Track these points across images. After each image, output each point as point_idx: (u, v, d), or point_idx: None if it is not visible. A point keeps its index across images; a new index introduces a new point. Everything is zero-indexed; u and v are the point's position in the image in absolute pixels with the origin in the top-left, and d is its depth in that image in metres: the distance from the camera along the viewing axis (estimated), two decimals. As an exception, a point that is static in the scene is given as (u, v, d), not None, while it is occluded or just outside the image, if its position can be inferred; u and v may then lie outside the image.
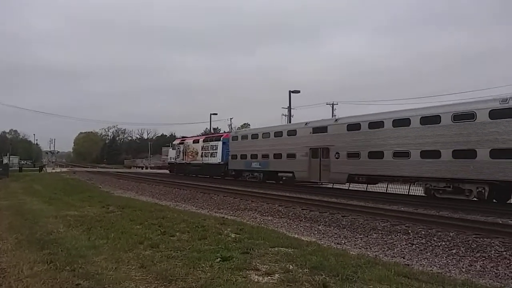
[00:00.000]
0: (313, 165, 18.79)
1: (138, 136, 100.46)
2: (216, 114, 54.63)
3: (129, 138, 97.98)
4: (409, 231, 8.41)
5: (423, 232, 8.40)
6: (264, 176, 20.88)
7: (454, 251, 7.20)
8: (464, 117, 13.84)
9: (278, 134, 20.78)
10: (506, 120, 12.76)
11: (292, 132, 19.98)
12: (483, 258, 6.74)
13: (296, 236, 7.99)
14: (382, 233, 8.61)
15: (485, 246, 7.22)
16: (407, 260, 6.68)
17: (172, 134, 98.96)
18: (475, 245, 7.30)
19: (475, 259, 6.72)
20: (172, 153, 36.04)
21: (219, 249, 5.75)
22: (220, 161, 28.05)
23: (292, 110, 38.85)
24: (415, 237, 8.16)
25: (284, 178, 21.41)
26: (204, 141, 30.28)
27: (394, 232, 8.56)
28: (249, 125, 59.39)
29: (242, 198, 14.63)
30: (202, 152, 30.83)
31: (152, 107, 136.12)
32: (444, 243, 7.69)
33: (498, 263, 6.53)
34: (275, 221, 10.60)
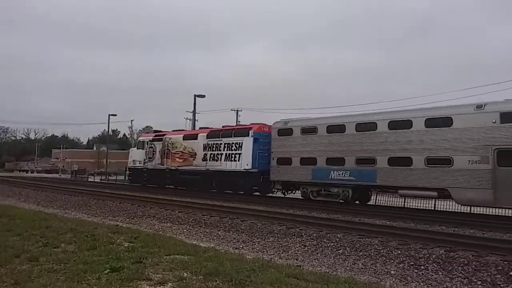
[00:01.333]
0: (505, 180, 14.00)
1: (24, 136, 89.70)
2: (115, 115, 54.41)
3: (13, 138, 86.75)
4: (303, 234, 10.81)
5: (314, 234, 10.80)
6: (355, 193, 18.18)
7: (340, 251, 9.22)
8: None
9: (401, 124, 16.74)
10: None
11: (441, 121, 15.77)
12: (365, 257, 8.70)
13: (194, 242, 9.43)
14: (278, 236, 10.67)
15: (366, 245, 9.54)
16: (300, 261, 8.34)
17: (65, 135, 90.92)
18: (359, 244, 9.64)
19: (358, 257, 8.65)
20: (137, 154, 29.59)
21: (109, 260, 6.19)
22: (249, 167, 21.61)
23: (196, 114, 39.90)
24: (307, 239, 10.30)
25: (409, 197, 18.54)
26: (210, 136, 24.37)
27: (289, 235, 10.75)
28: (151, 127, 64.66)
29: (140, 204, 17.36)
30: (208, 154, 24.03)
31: (42, 105, 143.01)
32: (332, 244, 9.79)
33: (377, 260, 8.39)
34: (174, 228, 12.30)
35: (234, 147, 22.79)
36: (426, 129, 15.71)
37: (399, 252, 8.74)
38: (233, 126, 27.01)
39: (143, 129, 72.94)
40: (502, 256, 8.09)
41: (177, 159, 26.06)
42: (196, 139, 25.32)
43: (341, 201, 18.08)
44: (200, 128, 28.14)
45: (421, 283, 7.00)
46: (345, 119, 18.59)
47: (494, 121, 13.91)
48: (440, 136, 15.37)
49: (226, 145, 23.29)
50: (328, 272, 7.13)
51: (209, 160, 24.01)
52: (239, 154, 22.38)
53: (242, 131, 23.02)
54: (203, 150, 24.53)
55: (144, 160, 28.67)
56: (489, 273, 7.21)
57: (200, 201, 18.82)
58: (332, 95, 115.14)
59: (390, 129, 16.73)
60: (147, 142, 29.05)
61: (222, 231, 11.72)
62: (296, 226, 11.84)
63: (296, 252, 9.10)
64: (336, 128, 18.53)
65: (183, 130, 29.43)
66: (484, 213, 16.01)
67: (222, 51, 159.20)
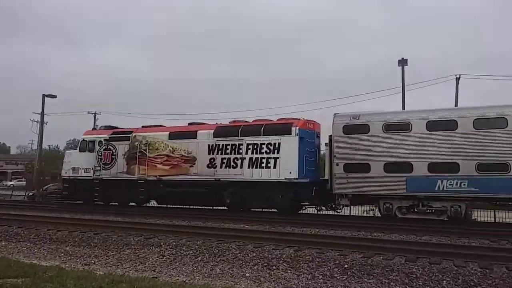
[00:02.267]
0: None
1: None
2: None
3: None
4: (162, 243, 10.50)
5: (174, 243, 10.56)
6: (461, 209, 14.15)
7: (199, 258, 9.38)
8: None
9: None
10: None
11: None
12: (223, 262, 9.03)
13: (35, 261, 8.78)
14: (135, 248, 10.26)
15: (224, 250, 9.78)
16: (157, 272, 8.36)
17: None
18: (217, 250, 9.81)
19: (216, 263, 8.96)
20: (80, 159, 20.87)
21: None
22: (293, 176, 16.03)
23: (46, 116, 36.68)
24: (166, 249, 10.09)
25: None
26: (220, 134, 17.74)
27: (148, 246, 10.41)
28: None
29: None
30: (218, 159, 17.41)
31: None
32: (191, 252, 9.78)
33: (234, 264, 8.74)
34: (10, 246, 11.08)
35: (265, 149, 16.82)
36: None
37: (254, 254, 9.07)
38: (261, 120, 19.26)
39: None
40: (339, 251, 9.04)
41: (159, 166, 18.87)
42: (195, 138, 18.52)
43: (445, 219, 14.25)
44: (190, 124, 19.95)
45: (273, 283, 7.50)
46: (456, 113, 14.71)
47: None
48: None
49: (251, 146, 17.09)
50: (185, 281, 7.31)
51: (221, 166, 17.58)
52: (276, 158, 16.57)
53: (279, 127, 17.11)
54: (210, 154, 17.93)
55: (95, 167, 20.44)
56: (329, 268, 8.00)
57: (45, 214, 17.16)
58: (199, 100, 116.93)
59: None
60: (100, 142, 20.78)
61: (70, 246, 10.92)
62: (155, 235, 11.45)
63: (153, 263, 8.98)
64: (442, 124, 14.35)
65: (161, 126, 21.12)
66: (329, 213, 17.03)
67: (78, 51, 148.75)
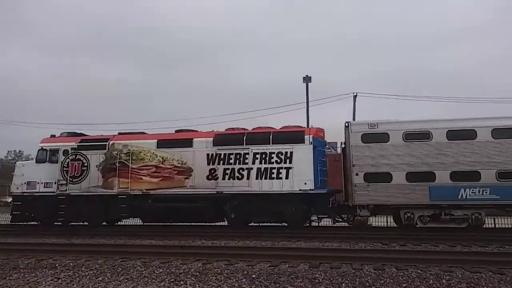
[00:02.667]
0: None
1: None
2: None
3: None
4: (57, 265, 9.42)
5: (71, 264, 9.54)
6: (482, 217, 14.29)
7: (100, 278, 8.38)
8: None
9: None
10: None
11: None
12: (126, 280, 8.13)
13: None
14: (25, 272, 9.00)
15: (129, 268, 8.96)
16: None
17: None
18: (120, 268, 8.92)
19: (119, 282, 8.01)
20: (38, 171, 17.36)
21: None
22: (309, 187, 15.05)
23: None
24: (62, 270, 9.02)
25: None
26: (221, 142, 16.21)
27: (40, 268, 9.21)
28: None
29: None
30: (220, 169, 15.88)
31: None
32: (91, 272, 8.79)
33: (138, 282, 7.98)
34: None
35: (276, 159, 15.73)
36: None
37: (161, 270, 8.72)
38: (264, 128, 17.47)
39: None
40: (248, 262, 9.13)
41: (145, 179, 16.60)
42: (191, 146, 16.61)
43: (465, 226, 14.28)
44: (179, 131, 17.80)
45: (179, 298, 7.78)
46: (475, 123, 14.76)
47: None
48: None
49: (258, 156, 15.88)
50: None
51: (223, 178, 16.07)
52: (288, 168, 15.51)
53: (290, 135, 16.08)
54: (209, 164, 16.25)
55: (59, 181, 17.29)
56: (237, 279, 7.97)
57: None
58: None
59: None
60: (65, 151, 17.68)
61: None
62: (50, 256, 10.32)
63: (46, 287, 8.12)
64: (462, 134, 14.67)
65: (144, 133, 18.54)
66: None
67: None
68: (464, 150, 14.49)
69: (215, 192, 16.16)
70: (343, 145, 16.45)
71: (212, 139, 16.71)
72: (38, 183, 17.67)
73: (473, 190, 14.17)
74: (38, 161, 18.04)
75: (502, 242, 12.03)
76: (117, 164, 17.12)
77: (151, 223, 17.50)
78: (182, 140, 17.05)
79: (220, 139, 16.70)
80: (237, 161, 16.15)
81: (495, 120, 14.85)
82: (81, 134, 19.09)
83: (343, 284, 7.48)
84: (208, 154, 16.44)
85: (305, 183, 15.35)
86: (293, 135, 16.11)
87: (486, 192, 14.12)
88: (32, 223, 18.14)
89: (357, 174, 15.09)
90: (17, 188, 18.02)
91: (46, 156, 17.97)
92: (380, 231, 15.92)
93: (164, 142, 17.08)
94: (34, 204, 17.65)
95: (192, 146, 16.69)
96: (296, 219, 15.82)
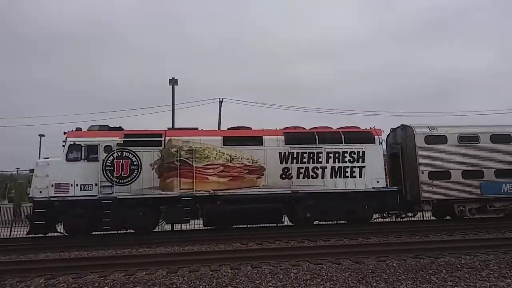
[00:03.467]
0: None
1: None
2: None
3: None
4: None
5: None
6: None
7: None
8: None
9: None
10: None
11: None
12: None
13: None
14: None
15: None
16: None
17: None
18: None
19: None
20: (66, 171, 14.04)
21: None
22: (381, 185, 15.88)
23: None
24: None
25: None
26: (293, 140, 15.90)
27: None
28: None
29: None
30: (294, 168, 15.60)
31: None
32: None
33: None
34: None
35: (349, 158, 16.04)
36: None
37: None
38: (339, 128, 17.01)
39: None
40: (100, 272, 8.51)
41: (212, 178, 15.08)
42: (261, 144, 15.73)
43: (502, 216, 16.63)
44: (240, 128, 16.29)
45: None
46: (509, 129, 17.34)
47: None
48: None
49: (332, 155, 15.96)
50: None
51: (297, 177, 15.66)
52: (361, 167, 16.01)
53: (361, 135, 16.44)
54: (282, 162, 15.66)
55: (103, 183, 14.44)
56: None
57: None
58: None
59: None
60: (107, 147, 14.84)
61: None
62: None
63: None
64: (501, 138, 17.13)
65: (196, 128, 15.94)
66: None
67: None
68: (504, 153, 17.06)
69: (290, 191, 15.71)
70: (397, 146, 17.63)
71: (283, 137, 16.19)
72: (71, 185, 14.50)
73: (510, 185, 16.79)
74: (70, 159, 14.78)
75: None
76: (177, 163, 15.21)
77: (216, 227, 15.86)
78: (251, 137, 16.08)
79: (292, 137, 16.31)
80: (311, 160, 16.00)
81: None
82: (119, 128, 16.00)
83: (201, 286, 7.49)
84: (280, 153, 15.91)
85: (378, 181, 16.12)
86: (364, 135, 16.63)
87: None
88: (55, 234, 14.89)
89: (422, 173, 16.50)
90: (41, 192, 14.43)
91: (80, 153, 14.85)
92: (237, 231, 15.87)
93: (231, 139, 15.83)
94: (65, 210, 14.47)
95: (263, 145, 15.90)
96: (368, 217, 16.52)
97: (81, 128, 15.91)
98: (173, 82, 27.03)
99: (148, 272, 8.49)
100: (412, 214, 17.56)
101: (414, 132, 17.04)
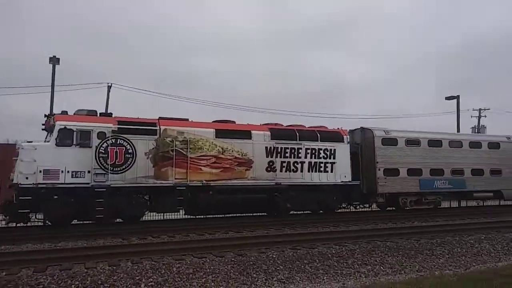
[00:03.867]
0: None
1: None
2: None
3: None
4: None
5: None
6: (445, 198, 21.63)
7: None
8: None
9: (474, 145, 22.18)
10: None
11: (496, 145, 22.72)
12: None
13: None
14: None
15: None
16: None
17: None
18: None
19: None
20: (56, 156, 13.00)
21: None
22: (348, 179, 18.25)
23: None
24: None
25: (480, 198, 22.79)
26: (278, 136, 17.20)
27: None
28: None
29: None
30: (278, 162, 17.00)
31: None
32: None
33: None
34: None
35: (323, 154, 17.83)
36: (489, 150, 22.15)
37: None
38: (313, 126, 18.45)
39: None
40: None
41: (205, 169, 15.51)
42: (250, 138, 16.56)
43: (432, 207, 20.14)
44: (227, 121, 16.84)
45: None
46: (440, 136, 21.19)
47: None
48: (496, 155, 22.26)
49: (309, 151, 17.57)
50: None
51: (281, 170, 16.95)
52: (332, 163, 17.94)
53: (332, 135, 18.36)
54: (268, 156, 16.79)
55: (96, 170, 13.79)
56: None
57: None
58: None
59: (470, 148, 21.66)
60: (101, 133, 14.13)
61: None
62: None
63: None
64: (435, 143, 20.74)
65: (186, 120, 15.85)
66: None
67: None
68: (436, 155, 20.67)
69: (274, 183, 16.92)
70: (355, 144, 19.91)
71: (269, 133, 17.22)
72: (62, 171, 13.55)
73: (441, 182, 20.57)
74: (61, 144, 13.75)
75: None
76: (172, 153, 15.17)
77: (211, 216, 16.35)
78: (241, 131, 16.81)
79: (277, 133, 17.40)
80: (292, 155, 17.36)
81: (452, 135, 22.53)
82: (109, 114, 15.43)
83: (73, 286, 7.04)
84: (267, 147, 16.94)
85: (345, 176, 18.26)
86: (334, 135, 18.60)
87: (446, 183, 20.82)
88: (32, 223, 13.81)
89: (379, 170, 19.14)
90: (27, 178, 13.18)
91: (72, 137, 13.91)
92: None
93: (223, 132, 16.34)
94: (53, 198, 13.54)
95: (251, 139, 16.74)
96: (335, 207, 18.54)
97: (67, 112, 14.79)
98: (54, 61, 24.57)
99: (9, 273, 7.56)
100: (368, 205, 20.13)
101: (374, 135, 19.59)
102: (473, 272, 8.27)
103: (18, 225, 14.02)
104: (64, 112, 14.82)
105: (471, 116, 43.16)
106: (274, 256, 9.35)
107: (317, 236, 12.08)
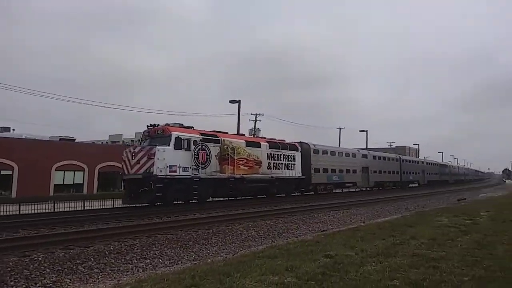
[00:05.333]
0: (364, 177, 39.21)
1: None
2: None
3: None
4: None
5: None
6: (335, 187, 34.94)
7: None
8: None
9: (347, 155, 37.08)
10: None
11: (353, 155, 38.11)
12: None
13: None
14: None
15: None
16: None
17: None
18: None
19: None
20: (175, 156, 20.35)
21: None
22: (300, 175, 29.73)
23: None
24: None
25: (348, 186, 37.23)
26: (271, 146, 27.72)
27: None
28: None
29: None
30: (271, 163, 27.39)
31: None
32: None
33: None
34: None
35: (290, 159, 28.09)
36: (351, 157, 36.50)
37: None
38: (283, 140, 28.03)
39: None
40: None
41: (241, 167, 23.56)
42: (260, 147, 25.34)
43: (332, 192, 32.63)
44: (238, 134, 26.77)
45: None
46: (338, 149, 35.80)
47: (361, 156, 38.44)
48: (353, 161, 36.67)
49: (284, 156, 27.57)
50: None
51: (273, 168, 26.18)
52: (293, 164, 28.42)
53: (293, 146, 28.50)
54: (267, 159, 25.79)
55: (191, 166, 20.30)
56: None
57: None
58: None
59: (345, 156, 35.63)
60: (195, 141, 20.73)
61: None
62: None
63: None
64: (335, 153, 34.00)
65: (237, 134, 25.48)
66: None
67: None
68: (336, 161, 33.86)
69: (270, 177, 26.22)
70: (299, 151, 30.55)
71: (268, 144, 26.55)
72: (178, 167, 19.87)
73: (335, 176, 33.74)
74: (176, 148, 19.89)
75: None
76: (227, 156, 22.79)
77: (243, 197, 24.35)
78: (256, 142, 25.74)
79: (271, 145, 26.78)
80: (277, 158, 26.99)
81: (339, 148, 37.48)
82: (191, 127, 21.67)
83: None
84: (267, 153, 26.22)
85: (299, 172, 29.07)
86: (294, 146, 29.10)
87: (337, 178, 34.10)
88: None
89: (312, 169, 30.89)
90: (161, 171, 19.06)
91: (181, 144, 20.24)
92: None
93: (249, 143, 24.85)
94: (174, 186, 19.64)
95: (260, 147, 25.70)
96: (292, 191, 28.92)
97: (169, 124, 20.91)
98: None
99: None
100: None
101: (310, 147, 31.29)
102: (238, 256, 8.26)
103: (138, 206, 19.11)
104: (167, 124, 20.86)
105: (249, 120, 48.88)
106: (40, 258, 8.35)
107: (95, 234, 11.24)
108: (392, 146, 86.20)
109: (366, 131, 58.14)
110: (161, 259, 9.20)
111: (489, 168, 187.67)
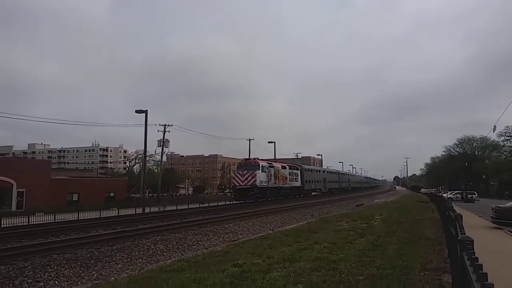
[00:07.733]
0: (326, 186, 59.99)
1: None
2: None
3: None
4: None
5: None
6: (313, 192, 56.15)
7: None
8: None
9: (318, 171, 59.04)
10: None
11: (321, 171, 60.61)
12: None
13: None
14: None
15: None
16: None
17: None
18: None
19: None
20: (262, 175, 40.55)
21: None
22: (300, 184, 49.02)
23: None
24: None
25: (318, 192, 57.61)
26: (290, 168, 47.11)
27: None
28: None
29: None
30: (289, 177, 46.35)
31: None
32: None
33: None
34: None
35: (296, 175, 46.97)
36: (317, 173, 57.72)
37: None
38: (289, 162, 48.94)
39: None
40: None
41: (281, 180, 41.93)
42: (286, 169, 43.94)
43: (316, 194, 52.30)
44: (277, 161, 44.20)
45: None
46: (318, 168, 59.77)
47: (323, 171, 61.28)
48: (323, 176, 58.45)
49: (295, 174, 46.21)
50: None
51: (290, 180, 44.82)
52: (297, 177, 47.08)
53: (297, 167, 47.46)
54: (288, 175, 44.29)
55: (267, 181, 38.23)
56: None
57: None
58: None
59: (322, 172, 58.07)
60: (267, 167, 38.96)
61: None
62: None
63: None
64: (316, 171, 56.12)
65: (274, 160, 45.44)
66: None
67: None
68: (316, 175, 54.39)
69: (290, 186, 45.30)
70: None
71: (287, 165, 45.46)
72: (263, 181, 37.73)
73: (314, 185, 53.75)
74: (262, 170, 37.59)
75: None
76: (276, 174, 41.00)
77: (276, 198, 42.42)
78: (284, 166, 44.04)
79: (290, 166, 45.77)
80: (290, 174, 45.56)
81: (319, 168, 61.64)
82: (256, 158, 40.48)
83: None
84: (288, 172, 45.12)
85: (300, 183, 48.68)
86: (298, 166, 49.03)
87: (318, 185, 54.86)
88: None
89: (306, 180, 49.97)
90: (260, 183, 36.66)
91: (262, 168, 37.74)
92: None
93: (283, 166, 43.64)
94: (263, 191, 37.47)
95: (286, 169, 44.62)
96: (297, 194, 47.47)
97: (257, 158, 40.45)
98: None
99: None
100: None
101: (303, 167, 50.35)
102: (144, 272, 7.76)
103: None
104: (256, 158, 40.45)
105: (158, 131, 46.25)
106: None
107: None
108: (298, 157, 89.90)
109: (274, 142, 60.32)
110: (57, 280, 8.55)
111: (382, 176, 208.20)
